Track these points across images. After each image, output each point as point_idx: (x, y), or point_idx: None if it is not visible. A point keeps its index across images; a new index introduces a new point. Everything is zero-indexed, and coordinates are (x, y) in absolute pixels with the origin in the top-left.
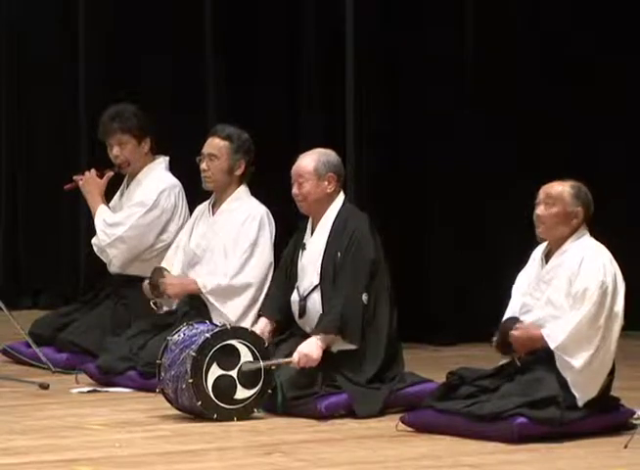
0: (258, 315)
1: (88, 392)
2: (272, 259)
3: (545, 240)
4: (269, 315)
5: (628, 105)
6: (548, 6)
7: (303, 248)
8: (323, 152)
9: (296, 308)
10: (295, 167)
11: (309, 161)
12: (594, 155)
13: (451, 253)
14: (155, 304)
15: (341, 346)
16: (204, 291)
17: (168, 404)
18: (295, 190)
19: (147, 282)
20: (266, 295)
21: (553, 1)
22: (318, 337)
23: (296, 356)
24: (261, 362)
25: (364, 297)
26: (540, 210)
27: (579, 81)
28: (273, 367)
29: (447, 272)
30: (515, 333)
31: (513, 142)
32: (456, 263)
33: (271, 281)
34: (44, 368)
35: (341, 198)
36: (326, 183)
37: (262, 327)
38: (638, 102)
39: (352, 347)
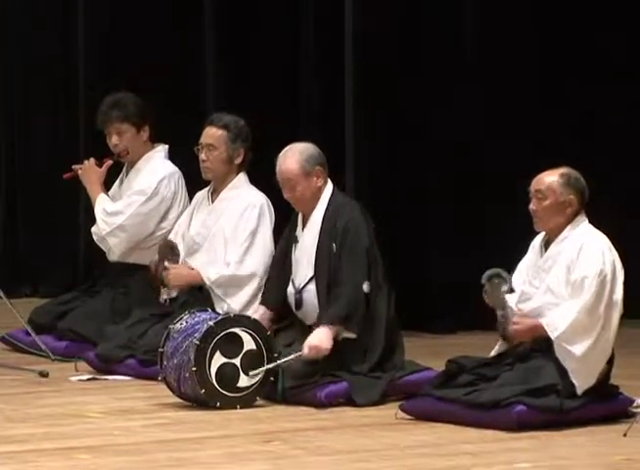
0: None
1: (87, 380)
2: (273, 248)
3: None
4: (267, 305)
5: (629, 103)
6: (548, 4)
7: (296, 241)
8: (301, 148)
9: (292, 301)
10: (280, 172)
11: (292, 161)
12: (593, 145)
13: (451, 240)
14: (159, 288)
15: (344, 334)
16: (207, 282)
17: (168, 392)
18: (287, 194)
19: (155, 260)
20: (265, 284)
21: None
22: (327, 327)
23: (305, 350)
24: (273, 363)
25: (365, 285)
26: (534, 203)
27: (579, 80)
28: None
29: (447, 260)
30: (515, 328)
31: (513, 142)
32: (456, 251)
33: (269, 271)
34: (43, 356)
35: (329, 188)
36: (315, 178)
37: (260, 316)
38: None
39: (353, 335)
